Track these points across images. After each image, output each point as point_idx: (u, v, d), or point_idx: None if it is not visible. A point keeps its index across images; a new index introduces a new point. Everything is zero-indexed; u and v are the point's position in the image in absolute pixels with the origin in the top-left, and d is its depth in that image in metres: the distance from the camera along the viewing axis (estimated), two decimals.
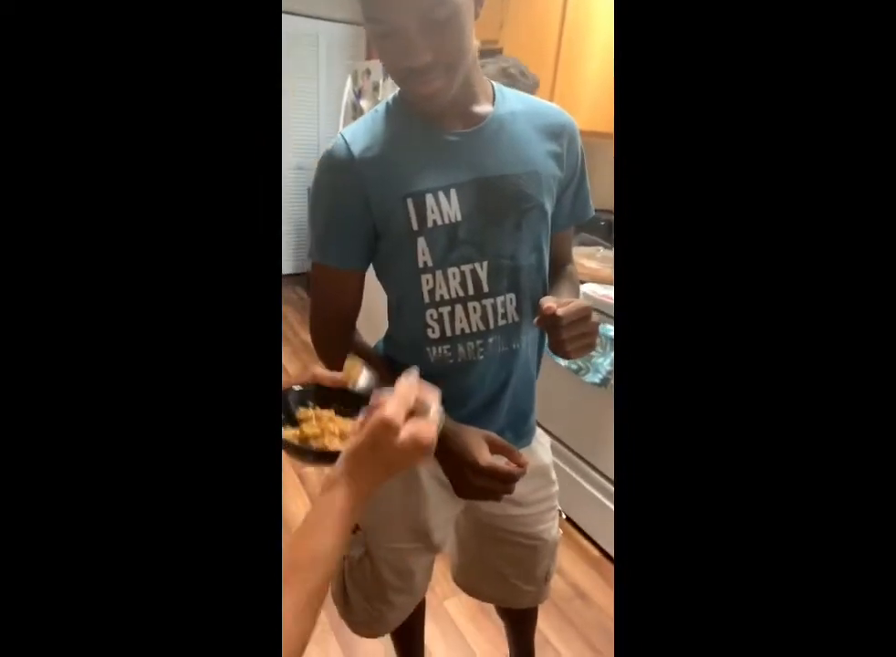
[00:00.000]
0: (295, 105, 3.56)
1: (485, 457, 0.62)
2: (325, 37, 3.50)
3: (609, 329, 1.49)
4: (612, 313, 1.51)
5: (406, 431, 0.45)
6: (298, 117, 3.61)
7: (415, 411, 0.47)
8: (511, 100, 0.73)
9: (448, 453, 0.65)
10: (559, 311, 0.60)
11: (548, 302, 0.62)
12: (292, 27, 3.35)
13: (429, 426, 0.46)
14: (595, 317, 0.64)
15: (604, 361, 1.49)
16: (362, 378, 0.53)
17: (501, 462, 0.64)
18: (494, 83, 0.73)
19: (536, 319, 0.63)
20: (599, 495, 1.62)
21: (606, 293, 1.57)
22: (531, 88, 1.52)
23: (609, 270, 1.66)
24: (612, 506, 1.59)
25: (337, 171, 0.68)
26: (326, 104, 3.64)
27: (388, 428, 0.44)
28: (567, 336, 0.61)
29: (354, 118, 2.94)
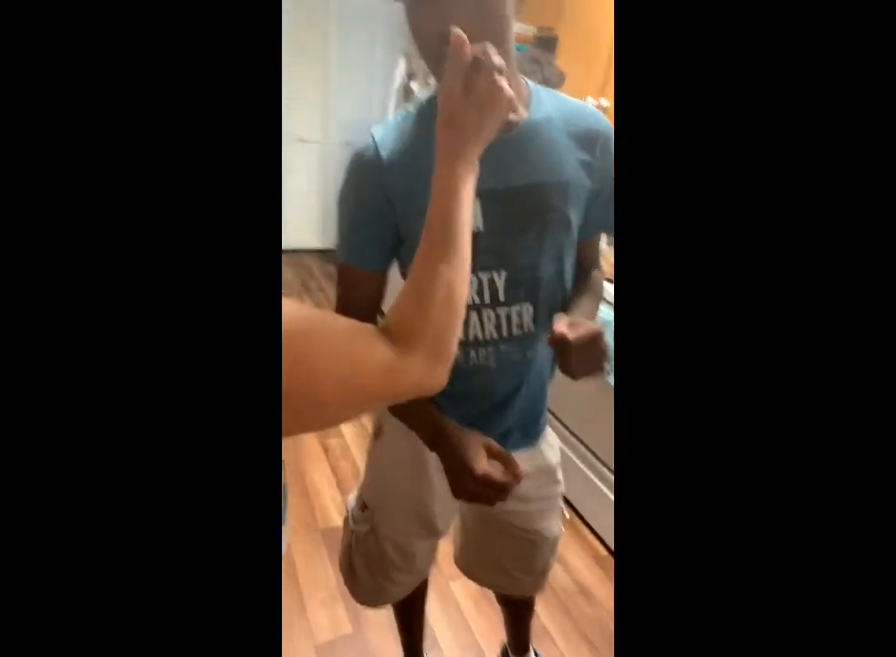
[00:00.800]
0: (346, 82, 3.60)
1: (482, 465, 0.64)
2: (383, 16, 3.50)
3: None
4: None
5: (476, 90, 0.50)
6: (350, 94, 3.65)
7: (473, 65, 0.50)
8: (547, 104, 0.70)
9: (447, 455, 0.68)
10: (570, 336, 0.60)
11: (560, 326, 0.61)
12: (348, 5, 3.37)
13: (489, 75, 0.50)
14: (605, 340, 0.64)
15: None
16: None
17: (499, 469, 0.65)
18: (531, 84, 0.71)
19: (547, 339, 0.63)
20: (611, 494, 1.63)
21: None
22: (555, 80, 1.47)
23: None
24: None
25: (364, 173, 0.68)
26: (380, 83, 3.65)
27: (452, 93, 0.50)
28: (575, 359, 0.61)
29: (405, 99, 2.94)
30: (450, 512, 0.89)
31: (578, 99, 0.76)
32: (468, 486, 0.65)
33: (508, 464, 0.66)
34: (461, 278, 0.50)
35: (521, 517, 0.90)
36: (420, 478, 0.82)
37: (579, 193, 0.71)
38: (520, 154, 0.67)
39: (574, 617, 1.46)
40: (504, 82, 0.50)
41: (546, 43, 2.17)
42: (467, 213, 0.51)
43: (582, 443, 1.74)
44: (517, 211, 0.68)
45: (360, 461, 1.96)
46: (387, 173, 0.67)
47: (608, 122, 0.74)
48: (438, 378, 0.48)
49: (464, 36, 0.49)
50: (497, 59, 0.50)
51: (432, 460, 0.81)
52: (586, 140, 0.71)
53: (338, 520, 1.67)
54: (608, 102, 1.81)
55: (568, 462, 1.74)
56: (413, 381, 0.46)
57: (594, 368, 0.64)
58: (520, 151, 0.67)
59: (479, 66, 0.49)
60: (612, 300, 1.57)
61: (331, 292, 3.38)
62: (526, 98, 0.69)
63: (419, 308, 0.48)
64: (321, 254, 3.98)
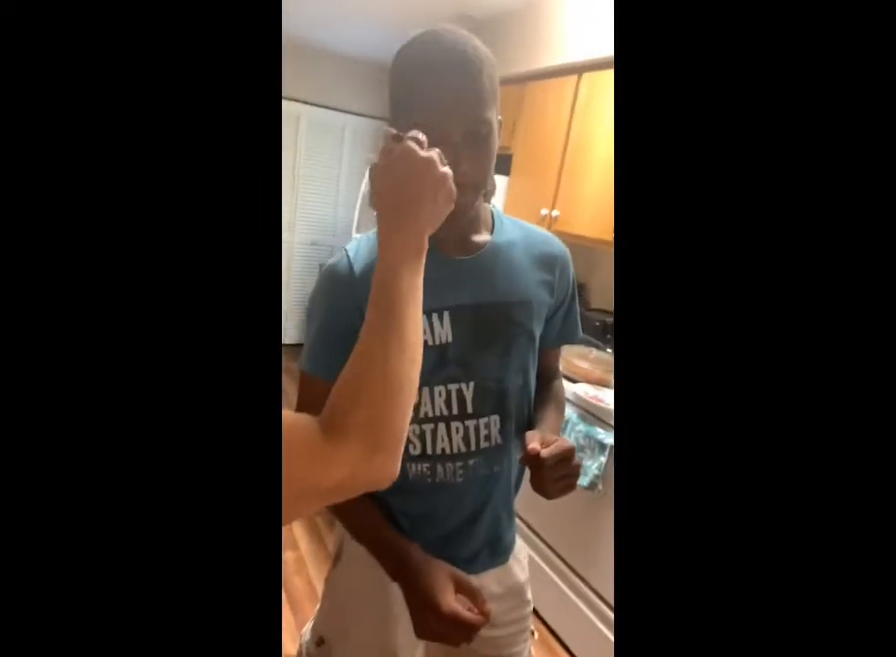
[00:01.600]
0: (315, 186, 3.78)
1: (448, 602, 0.60)
2: (350, 130, 3.77)
3: (597, 432, 1.49)
4: (602, 415, 1.52)
5: (391, 157, 0.50)
6: (318, 197, 3.82)
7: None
8: (509, 229, 0.76)
9: (410, 588, 0.64)
10: (543, 453, 0.60)
11: (533, 442, 0.62)
12: (320, 118, 3.64)
13: (404, 143, 0.50)
14: (577, 458, 0.64)
15: (592, 465, 1.48)
16: None
17: (466, 604, 0.62)
18: (494, 210, 0.77)
19: (519, 458, 0.63)
20: (584, 607, 1.55)
21: (597, 394, 1.58)
22: (492, 191, 1.58)
23: (599, 371, 1.68)
24: (600, 624, 1.51)
25: (336, 287, 0.69)
26: (346, 188, 3.85)
27: (375, 168, 0.51)
28: (549, 477, 0.61)
29: (371, 205, 3.10)
30: (414, 644, 0.82)
31: (531, 209, 0.81)
32: (432, 625, 0.60)
33: (476, 601, 0.62)
34: (399, 355, 0.44)
35: (491, 644, 0.83)
36: (382, 607, 0.76)
37: (541, 310, 0.75)
38: (484, 274, 0.71)
39: None
40: (419, 150, 0.50)
41: (503, 161, 2.35)
42: (408, 287, 0.48)
43: (551, 548, 1.68)
44: (484, 326, 0.70)
45: (316, 578, 1.82)
46: (359, 287, 0.67)
47: (563, 246, 0.80)
48: (380, 469, 0.43)
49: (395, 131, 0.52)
50: (418, 134, 0.52)
51: (396, 588, 0.76)
52: (545, 262, 0.76)
53: (290, 649, 1.52)
54: (558, 212, 1.95)
55: (539, 571, 1.66)
56: (348, 472, 0.42)
57: (567, 486, 0.64)
58: (484, 271, 0.71)
59: (399, 138, 0.51)
60: (576, 401, 1.59)
61: (291, 390, 3.31)
62: (489, 223, 0.75)
63: (350, 391, 0.44)
64: (283, 349, 3.95)
